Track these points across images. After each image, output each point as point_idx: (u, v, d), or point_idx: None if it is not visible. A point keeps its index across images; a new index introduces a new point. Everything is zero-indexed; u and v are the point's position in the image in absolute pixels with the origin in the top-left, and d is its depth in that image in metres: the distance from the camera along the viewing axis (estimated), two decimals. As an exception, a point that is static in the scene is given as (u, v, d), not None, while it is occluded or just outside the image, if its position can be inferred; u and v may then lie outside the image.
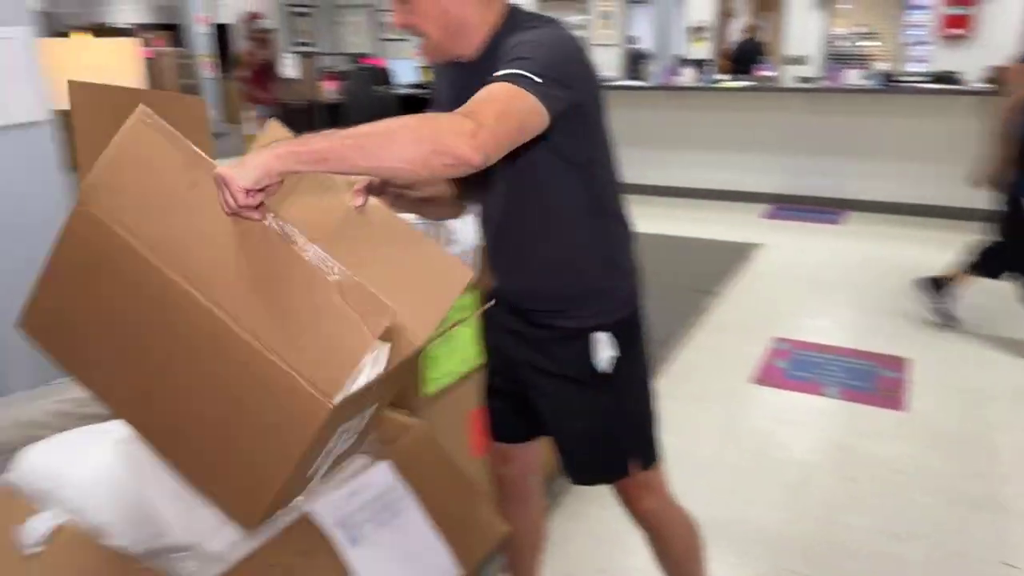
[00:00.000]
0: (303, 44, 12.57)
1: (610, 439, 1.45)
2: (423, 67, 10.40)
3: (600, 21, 10.91)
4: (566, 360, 1.41)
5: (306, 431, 1.00)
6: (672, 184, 6.74)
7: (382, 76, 4.26)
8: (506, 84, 1.09)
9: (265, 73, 7.51)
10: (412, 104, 8.99)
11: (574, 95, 1.19)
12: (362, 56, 10.06)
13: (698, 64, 6.97)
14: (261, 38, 7.56)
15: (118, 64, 2.61)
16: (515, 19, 1.29)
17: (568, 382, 1.42)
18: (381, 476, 1.39)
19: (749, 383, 3.23)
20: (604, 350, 1.38)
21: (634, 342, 1.44)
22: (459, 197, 1.46)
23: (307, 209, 1.24)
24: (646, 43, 10.06)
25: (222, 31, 12.07)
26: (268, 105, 7.55)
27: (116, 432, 1.23)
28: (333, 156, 0.98)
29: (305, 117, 8.51)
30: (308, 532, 1.23)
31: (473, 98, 1.08)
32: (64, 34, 14.22)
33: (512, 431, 1.61)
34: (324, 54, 10.90)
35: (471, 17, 1.27)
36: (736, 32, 9.92)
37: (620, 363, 1.40)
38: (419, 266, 1.25)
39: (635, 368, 1.45)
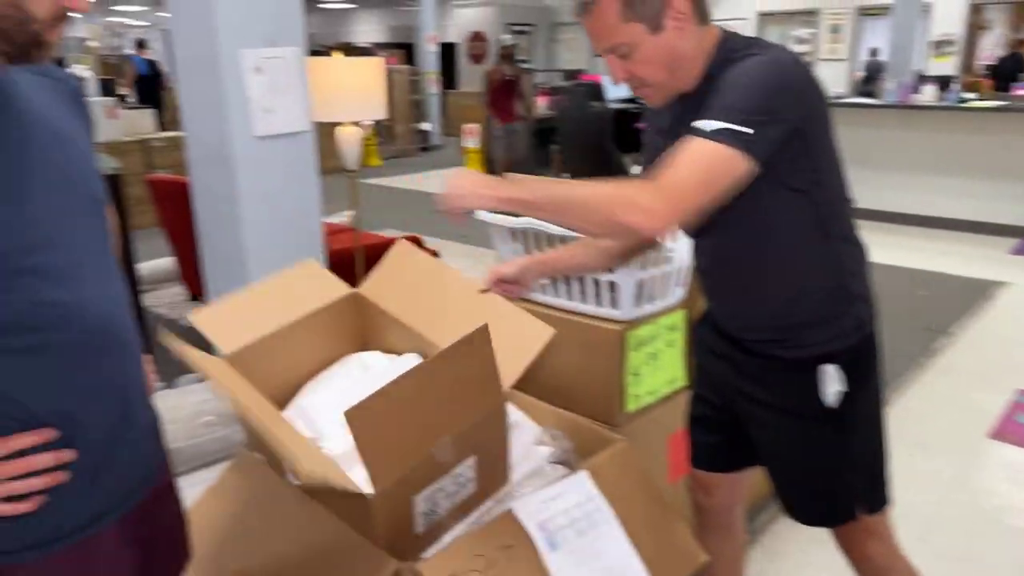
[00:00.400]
0: (520, 61, 13.11)
1: (836, 480, 1.36)
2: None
3: (829, 35, 10.26)
4: (788, 393, 1.34)
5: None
6: (904, 211, 6.15)
7: (597, 92, 4.33)
8: (707, 144, 1.07)
9: (509, 90, 7.43)
10: (625, 118, 9.06)
11: (791, 124, 1.13)
12: (579, 72, 10.30)
13: (941, 81, 6.32)
14: (508, 54, 7.51)
15: (367, 79, 2.90)
16: (729, 46, 1.23)
17: (789, 416, 1.35)
18: (580, 486, 1.41)
19: (983, 437, 2.87)
20: (831, 384, 1.29)
21: (865, 375, 1.33)
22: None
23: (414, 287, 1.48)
24: (881, 58, 9.30)
25: (447, 50, 12.94)
26: (510, 122, 7.40)
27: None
28: (534, 209, 1.19)
29: (523, 131, 8.88)
30: (510, 529, 1.28)
31: (673, 160, 1.08)
32: (319, 52, 16.03)
33: (718, 460, 1.56)
34: (540, 70, 11.28)
35: (690, 49, 1.22)
36: (991, 47, 8.85)
37: (848, 397, 1.30)
38: (503, 326, 1.32)
39: (865, 403, 1.34)
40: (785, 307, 1.31)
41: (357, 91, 2.86)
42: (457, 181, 1.26)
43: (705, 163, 1.06)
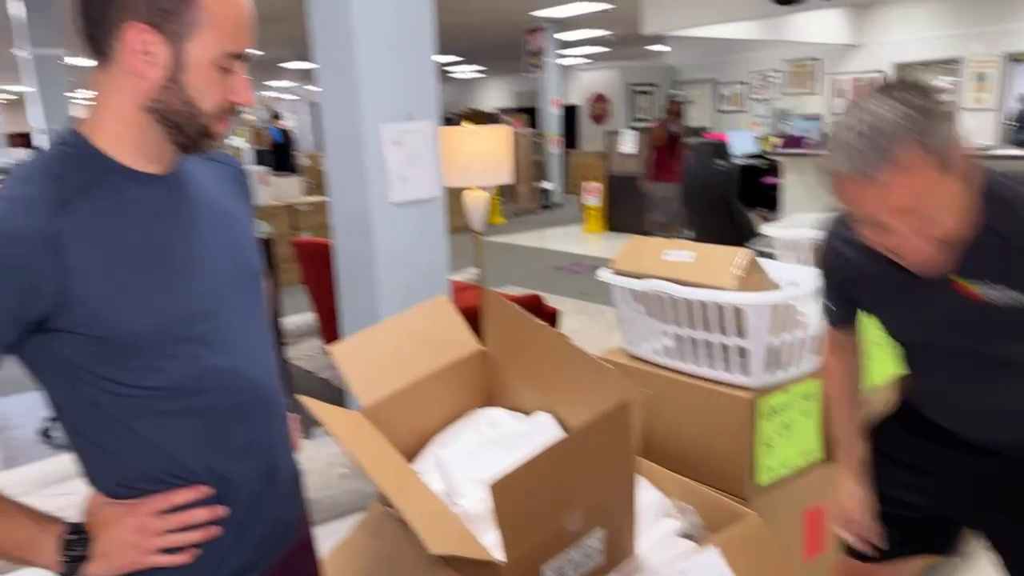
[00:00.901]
0: (640, 120, 13.19)
1: None
2: (760, 138, 10.22)
3: (974, 84, 9.67)
4: None
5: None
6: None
7: (722, 150, 4.29)
8: None
9: (674, 148, 6.83)
10: (750, 173, 8.85)
11: None
12: (701, 130, 10.24)
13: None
14: (676, 110, 7.02)
15: (495, 146, 3.02)
16: (997, 196, 1.07)
17: None
18: (711, 563, 1.36)
19: None
20: None
21: None
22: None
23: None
24: (1034, 105, 8.64)
25: (569, 111, 13.24)
26: (670, 181, 6.82)
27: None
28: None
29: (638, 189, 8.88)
30: (636, 602, 1.25)
31: None
32: (449, 119, 16.83)
33: (891, 552, 1.42)
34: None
35: (966, 203, 1.03)
36: None
37: None
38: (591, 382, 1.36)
39: None
40: None
41: (485, 157, 2.99)
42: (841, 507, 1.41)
43: None
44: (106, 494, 0.93)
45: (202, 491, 0.92)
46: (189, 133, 0.88)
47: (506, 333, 1.55)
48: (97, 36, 0.84)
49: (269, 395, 1.00)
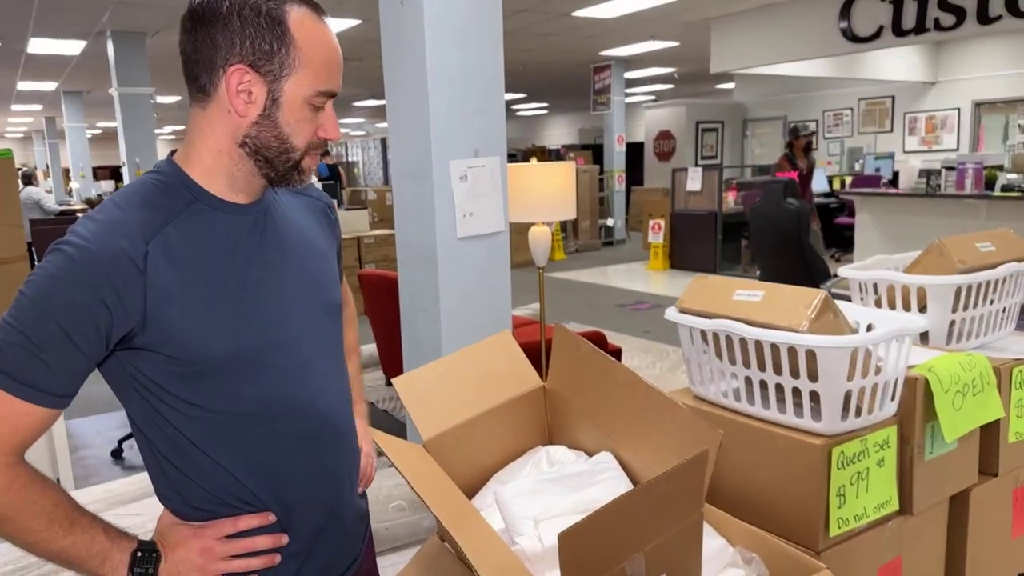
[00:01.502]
0: (707, 157, 13.08)
1: None
2: (832, 177, 9.99)
3: (1061, 121, 9.27)
4: None
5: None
6: None
7: (793, 189, 4.21)
8: None
9: (803, 186, 6.49)
10: (822, 213, 8.64)
11: None
12: (771, 169, 10.09)
13: None
14: (806, 145, 6.71)
15: (559, 183, 3.04)
16: None
17: None
18: (779, 616, 1.29)
19: None
20: None
21: None
22: None
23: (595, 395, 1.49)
24: None
25: (634, 148, 13.26)
26: None
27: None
28: None
29: (709, 225, 8.77)
30: (700, 656, 1.20)
31: None
32: (511, 155, 17.05)
33: None
34: (728, 166, 11.19)
35: None
36: None
37: None
38: (674, 429, 1.35)
39: None
40: None
41: (549, 194, 3.01)
42: None
43: None
44: (175, 513, 0.95)
45: (267, 518, 0.95)
46: (279, 167, 0.93)
47: (572, 369, 1.54)
48: (201, 77, 0.90)
49: (340, 428, 1.02)
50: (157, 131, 9.47)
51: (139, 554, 0.90)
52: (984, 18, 5.81)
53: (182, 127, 20.74)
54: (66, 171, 16.07)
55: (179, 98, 13.67)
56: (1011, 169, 9.71)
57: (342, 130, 21.77)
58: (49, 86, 12.20)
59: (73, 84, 12.11)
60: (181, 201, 0.91)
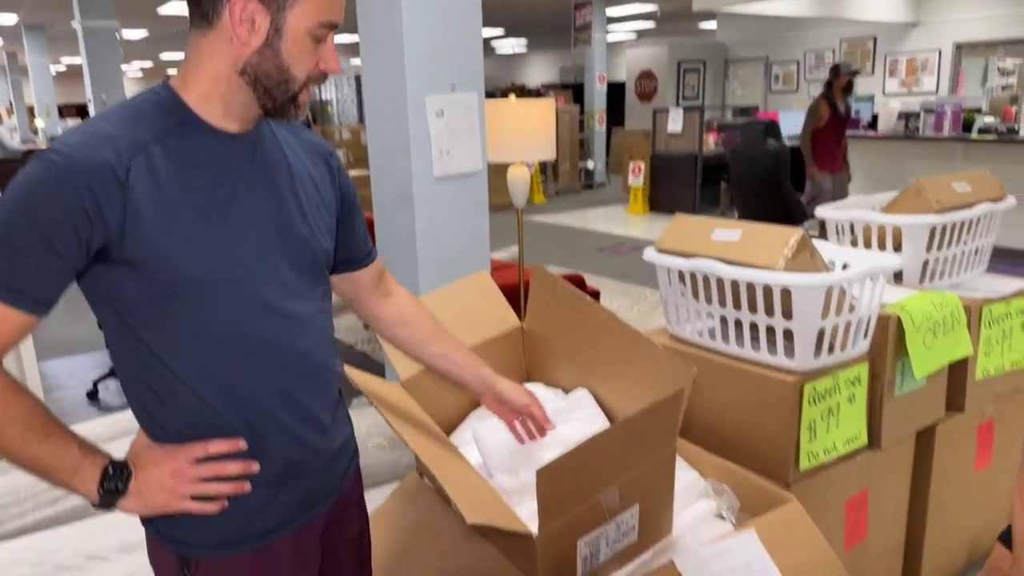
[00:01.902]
0: (689, 98, 12.95)
1: None
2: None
3: (1041, 64, 9.27)
4: None
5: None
6: None
7: (774, 130, 4.17)
8: None
9: (840, 130, 5.67)
10: (799, 156, 8.65)
11: None
12: (752, 109, 10.00)
13: None
14: (844, 84, 5.60)
15: (539, 121, 2.99)
16: None
17: None
18: (748, 545, 1.33)
19: None
20: None
21: None
22: None
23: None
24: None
25: (615, 89, 13.06)
26: (838, 171, 5.64)
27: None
28: None
29: (690, 168, 8.74)
30: (672, 582, 1.23)
31: None
32: (490, 94, 16.75)
33: None
34: (709, 108, 11.11)
35: None
36: None
37: None
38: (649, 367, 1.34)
39: None
40: None
41: (528, 133, 2.95)
42: None
43: None
44: (150, 435, 0.97)
45: (238, 444, 0.95)
46: (276, 97, 0.93)
47: (550, 309, 1.54)
48: (204, 3, 0.89)
49: (316, 365, 1.01)
50: (124, 66, 9.15)
51: (110, 470, 0.91)
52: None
53: (151, 63, 20.04)
54: (30, 109, 15.54)
55: (146, 34, 13.17)
56: (988, 112, 9.73)
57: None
58: (9, 19, 11.69)
59: (34, 16, 11.61)
60: (172, 122, 0.90)
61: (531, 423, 1.30)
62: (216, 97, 0.92)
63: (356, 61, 18.60)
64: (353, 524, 1.17)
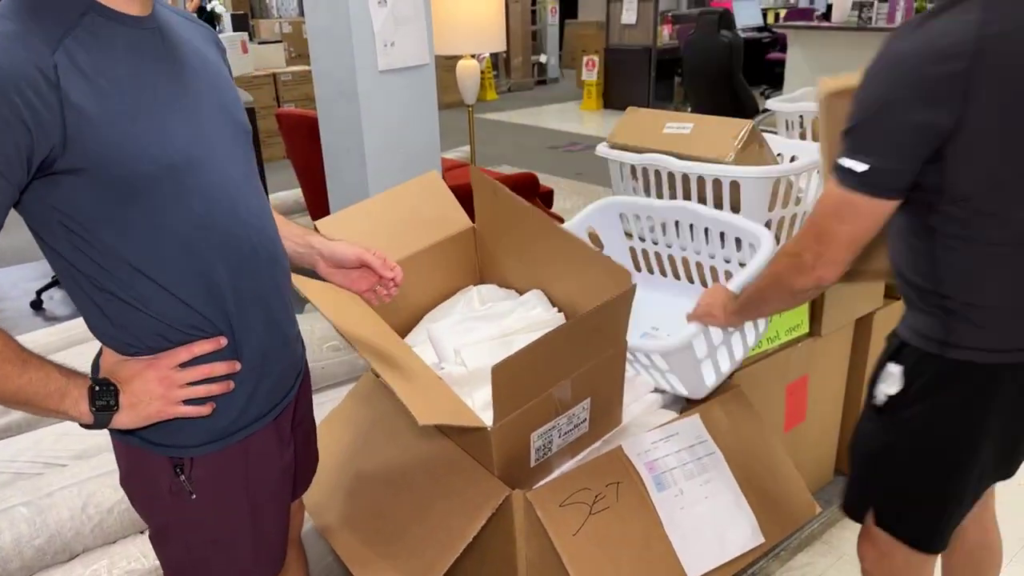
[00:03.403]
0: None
1: (857, 470, 1.28)
2: (766, 9, 9.76)
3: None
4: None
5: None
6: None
7: (727, 20, 4.08)
8: (831, 191, 1.03)
9: None
10: (755, 48, 8.52)
11: (934, 134, 0.95)
12: (710, 1, 9.73)
13: None
14: None
15: (487, 10, 2.86)
16: None
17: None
18: (691, 429, 1.40)
19: None
20: (886, 384, 1.16)
21: (937, 401, 1.13)
22: None
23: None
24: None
25: (568, -23, 12.52)
26: None
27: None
28: (748, 317, 1.32)
29: (644, 62, 8.55)
30: (619, 467, 1.29)
31: (807, 219, 1.09)
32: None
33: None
34: (663, -2, 10.76)
35: None
36: None
37: (902, 409, 1.16)
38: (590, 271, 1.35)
39: (926, 433, 1.15)
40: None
41: (476, 23, 2.84)
42: (705, 302, 1.37)
43: (825, 219, 1.09)
44: (120, 351, 0.94)
45: (220, 342, 0.94)
46: None
47: (495, 212, 1.52)
48: None
49: (272, 249, 1.00)
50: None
51: (96, 388, 0.89)
52: None
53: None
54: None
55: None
56: None
57: (250, -45, 19.75)
58: None
59: None
60: (73, 12, 0.82)
61: (376, 280, 1.23)
62: None
63: (293, -53, 17.34)
64: (307, 407, 1.20)
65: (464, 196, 1.62)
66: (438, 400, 1.20)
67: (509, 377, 1.06)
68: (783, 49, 7.34)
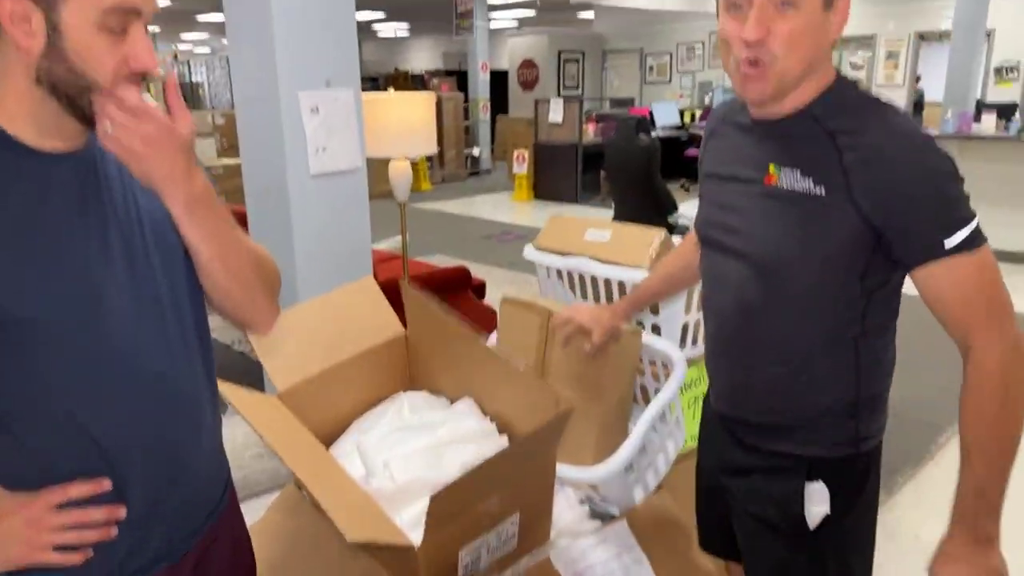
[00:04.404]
0: (569, 87, 13.19)
1: None
2: (683, 110, 10.40)
3: (885, 61, 10.10)
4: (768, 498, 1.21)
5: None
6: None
7: (645, 125, 4.35)
8: (978, 259, 1.00)
9: None
10: (673, 146, 9.01)
11: None
12: (628, 101, 10.32)
13: (1002, 109, 6.15)
14: None
15: (419, 116, 2.97)
16: (839, 97, 1.08)
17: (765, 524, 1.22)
18: (619, 536, 1.41)
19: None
20: (817, 503, 1.15)
21: (860, 494, 1.18)
22: None
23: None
24: (936, 86, 9.09)
25: (499, 77, 13.12)
26: None
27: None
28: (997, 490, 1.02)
29: (571, 157, 8.92)
30: (549, 578, 1.29)
31: (964, 301, 1.01)
32: (373, 79, 16.23)
33: (716, 545, 1.40)
34: (589, 99, 11.38)
35: (824, 59, 1.07)
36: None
37: (835, 521, 1.15)
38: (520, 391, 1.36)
39: (855, 529, 1.19)
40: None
41: (408, 128, 2.93)
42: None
43: (997, 284, 1.04)
44: (3, 485, 0.88)
45: (101, 485, 0.88)
46: (82, 106, 0.81)
47: (426, 324, 1.54)
48: None
49: (176, 388, 0.94)
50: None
51: None
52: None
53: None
54: None
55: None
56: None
57: (184, 47, 19.93)
58: None
59: None
60: None
61: None
62: (23, 114, 0.82)
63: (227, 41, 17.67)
64: (229, 549, 1.11)
65: (396, 290, 1.63)
66: (365, 515, 1.18)
67: (445, 502, 1.05)
68: (699, 146, 7.81)
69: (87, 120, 0.83)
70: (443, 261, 5.94)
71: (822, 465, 1.14)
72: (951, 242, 0.98)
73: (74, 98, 0.81)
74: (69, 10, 0.77)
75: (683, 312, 1.72)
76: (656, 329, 1.75)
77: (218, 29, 16.09)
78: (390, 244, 5.38)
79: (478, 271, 4.52)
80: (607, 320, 1.46)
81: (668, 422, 1.56)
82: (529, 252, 2.06)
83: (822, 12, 1.03)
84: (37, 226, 0.83)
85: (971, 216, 1.00)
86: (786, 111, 1.09)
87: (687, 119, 10.09)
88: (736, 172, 1.16)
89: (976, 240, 0.99)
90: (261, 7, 2.32)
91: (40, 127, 0.83)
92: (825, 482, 1.14)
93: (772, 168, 1.09)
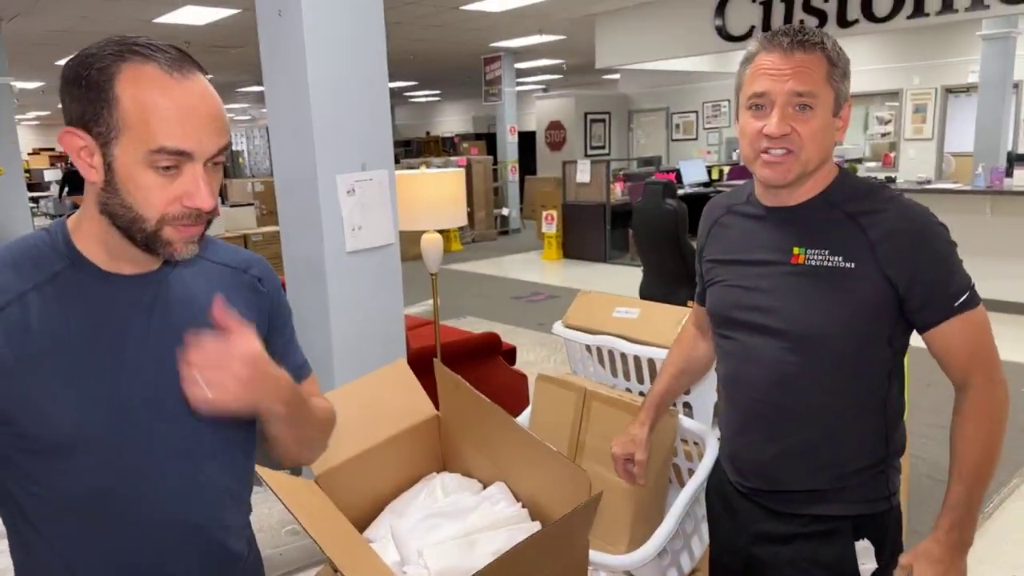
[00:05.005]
0: (596, 147, 13.40)
1: None
2: (710, 167, 10.48)
3: (913, 115, 10.11)
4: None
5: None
6: (999, 298, 5.87)
7: (672, 190, 4.44)
8: (980, 315, 1.16)
9: None
10: (700, 202, 9.05)
11: None
12: (654, 160, 10.43)
13: (1036, 163, 6.10)
14: None
15: (450, 191, 3.07)
16: (849, 184, 1.22)
17: None
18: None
19: (1105, 562, 2.63)
20: (866, 560, 1.21)
21: (895, 545, 1.26)
22: None
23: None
24: (966, 139, 9.05)
25: (527, 138, 13.40)
26: None
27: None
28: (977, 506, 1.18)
29: (599, 217, 9.02)
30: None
31: (969, 352, 1.17)
32: (406, 143, 16.62)
33: None
34: (616, 159, 11.54)
35: (827, 157, 1.21)
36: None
37: (887, 568, 1.22)
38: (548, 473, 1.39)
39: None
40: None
41: (440, 202, 3.03)
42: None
43: (988, 333, 1.20)
44: None
45: None
46: (136, 237, 0.85)
47: (457, 403, 1.58)
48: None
49: (199, 515, 0.94)
50: (20, 116, 8.72)
51: None
52: (843, 22, 6.25)
53: (47, 112, 19.18)
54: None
55: (41, 83, 12.65)
56: (870, 157, 10.46)
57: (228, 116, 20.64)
58: None
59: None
60: (57, 266, 0.86)
61: None
62: (95, 238, 0.88)
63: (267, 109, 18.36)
64: None
65: (427, 358, 1.66)
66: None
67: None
68: (729, 204, 7.83)
69: (148, 250, 0.87)
70: (474, 324, 6.00)
71: (866, 523, 1.21)
72: (959, 303, 1.15)
73: (126, 229, 0.85)
74: (120, 148, 0.82)
75: (713, 390, 1.73)
76: (688, 407, 1.76)
77: (257, 98, 16.73)
78: (421, 309, 5.46)
79: (508, 333, 4.56)
80: (642, 438, 1.49)
81: (703, 504, 1.56)
82: (559, 329, 2.10)
83: (831, 117, 1.19)
84: (100, 349, 0.86)
85: (970, 278, 1.17)
86: (799, 199, 1.22)
87: (715, 175, 10.16)
88: (757, 256, 1.24)
89: (976, 298, 1.16)
90: (301, 101, 2.45)
91: (110, 252, 0.88)
92: (868, 538, 1.21)
93: (796, 249, 1.20)
